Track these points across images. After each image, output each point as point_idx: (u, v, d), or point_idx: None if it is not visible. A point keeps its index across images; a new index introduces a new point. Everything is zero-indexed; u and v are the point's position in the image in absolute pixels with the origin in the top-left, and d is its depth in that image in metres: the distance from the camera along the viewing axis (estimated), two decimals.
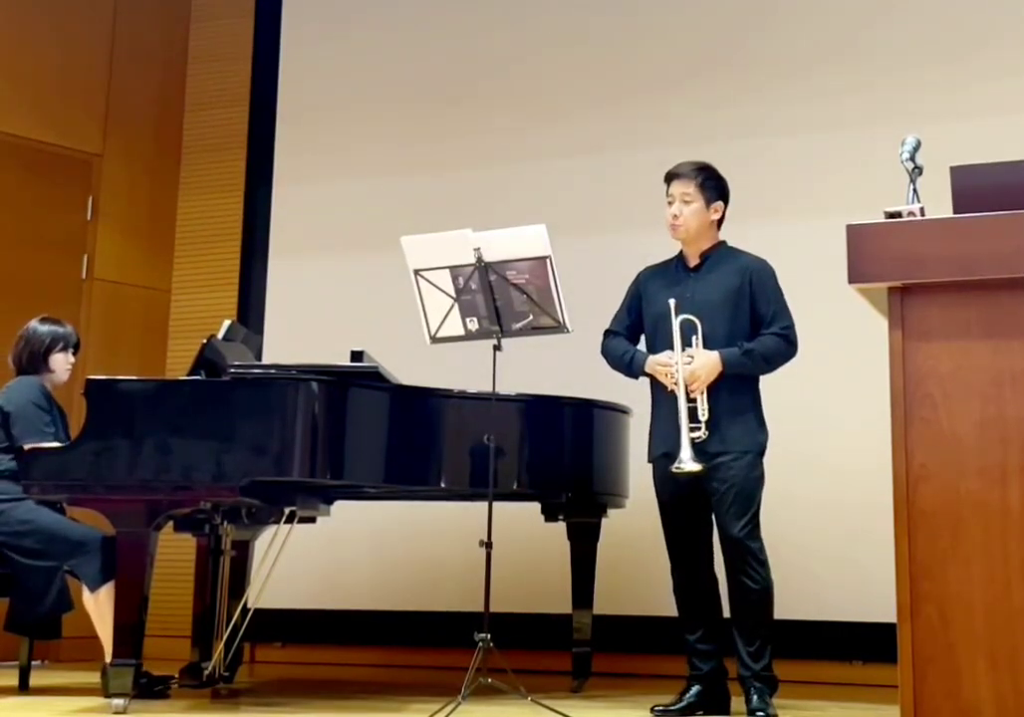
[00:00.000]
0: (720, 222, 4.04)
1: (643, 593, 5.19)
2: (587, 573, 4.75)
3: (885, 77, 5.40)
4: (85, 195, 6.32)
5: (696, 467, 3.70)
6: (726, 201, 4.03)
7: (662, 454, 3.90)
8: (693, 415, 3.78)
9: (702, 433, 3.77)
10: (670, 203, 3.99)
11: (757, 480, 3.87)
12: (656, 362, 3.89)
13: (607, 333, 4.14)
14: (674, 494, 3.92)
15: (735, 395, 3.87)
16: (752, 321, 3.93)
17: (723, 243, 4.06)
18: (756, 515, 3.85)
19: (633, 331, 4.11)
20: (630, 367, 4.01)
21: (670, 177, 4.01)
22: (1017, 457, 2.37)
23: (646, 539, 4.99)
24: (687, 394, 3.79)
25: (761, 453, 3.91)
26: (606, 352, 4.12)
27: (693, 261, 4.01)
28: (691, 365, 3.81)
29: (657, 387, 3.94)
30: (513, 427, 4.38)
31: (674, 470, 3.72)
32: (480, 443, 4.09)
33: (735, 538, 3.80)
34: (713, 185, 3.99)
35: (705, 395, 3.80)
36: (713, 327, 3.88)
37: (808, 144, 5.46)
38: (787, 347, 3.92)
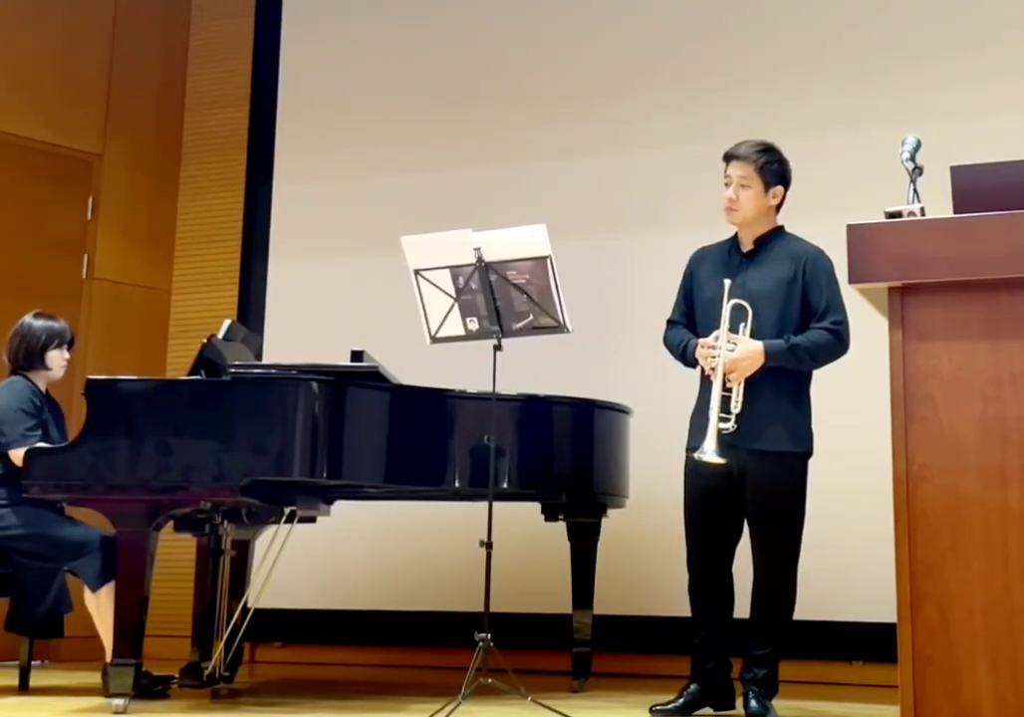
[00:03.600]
0: (779, 207, 3.89)
1: (643, 593, 5.20)
2: (587, 573, 4.74)
3: (884, 76, 5.39)
4: (85, 195, 6.32)
5: (717, 460, 3.56)
6: (787, 186, 3.86)
7: (698, 446, 3.72)
8: (725, 405, 3.64)
9: (731, 425, 3.62)
10: (727, 185, 3.82)
11: (799, 485, 3.75)
12: (701, 343, 3.74)
13: (668, 323, 4.00)
14: (705, 490, 3.77)
15: (783, 392, 3.74)
16: (803, 313, 3.77)
17: (780, 228, 3.90)
18: (797, 525, 3.74)
19: (691, 317, 3.94)
20: (684, 355, 3.87)
21: (728, 157, 3.84)
22: (1017, 457, 2.37)
23: (646, 539, 5.01)
24: (724, 382, 3.65)
25: (806, 456, 3.78)
26: (665, 342, 3.97)
27: (747, 246, 3.87)
28: (733, 353, 3.66)
29: (705, 376, 3.78)
30: (513, 427, 4.38)
31: (695, 456, 3.60)
32: (480, 443, 4.10)
33: (772, 550, 3.72)
34: (774, 169, 3.82)
35: (742, 386, 3.65)
36: (763, 317, 3.73)
37: (808, 144, 5.43)
38: (836, 343, 3.73)
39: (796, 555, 3.79)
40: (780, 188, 3.85)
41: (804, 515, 3.79)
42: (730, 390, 3.66)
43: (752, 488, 3.74)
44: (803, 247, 3.85)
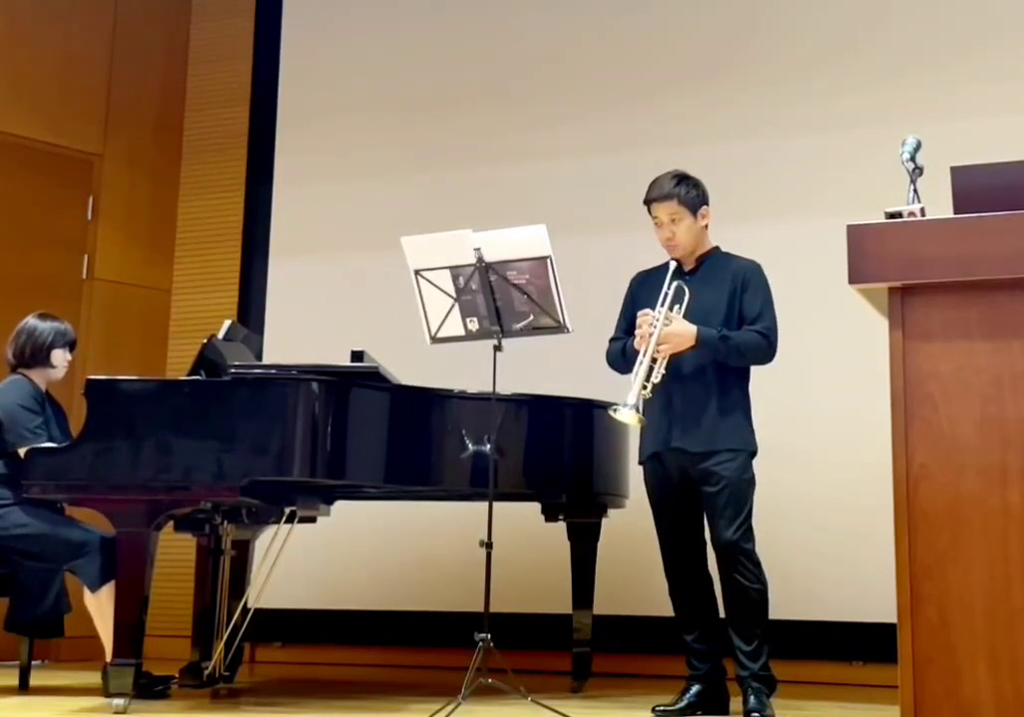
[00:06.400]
0: (707, 224, 4.00)
1: (643, 593, 5.19)
2: (587, 573, 4.75)
3: (885, 77, 5.40)
4: (85, 195, 6.32)
5: (632, 418, 3.64)
6: (708, 202, 3.99)
7: (652, 454, 3.92)
8: (648, 375, 3.74)
9: (648, 392, 3.72)
10: (659, 225, 3.96)
11: (748, 482, 3.86)
12: (642, 312, 3.84)
13: (610, 341, 4.11)
14: (665, 495, 3.93)
15: (725, 394, 3.86)
16: (740, 321, 3.90)
17: (716, 248, 4.04)
18: (748, 517, 3.83)
19: (631, 335, 4.01)
20: (625, 355, 3.96)
21: (649, 202, 3.98)
22: (1017, 457, 2.37)
23: (646, 539, 4.99)
24: (652, 353, 3.74)
25: (752, 454, 3.89)
26: (608, 356, 4.09)
27: (689, 266, 3.99)
28: (669, 327, 3.78)
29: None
30: (513, 427, 4.38)
31: (610, 412, 3.68)
32: (480, 443, 4.10)
33: (728, 542, 3.80)
34: (693, 194, 3.95)
35: (665, 361, 3.76)
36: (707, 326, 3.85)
37: (808, 144, 5.45)
38: (766, 346, 3.87)
39: (752, 547, 3.84)
40: (705, 207, 3.98)
41: (752, 508, 3.86)
42: (655, 362, 3.77)
43: (709, 489, 3.83)
44: (740, 262, 4.00)
